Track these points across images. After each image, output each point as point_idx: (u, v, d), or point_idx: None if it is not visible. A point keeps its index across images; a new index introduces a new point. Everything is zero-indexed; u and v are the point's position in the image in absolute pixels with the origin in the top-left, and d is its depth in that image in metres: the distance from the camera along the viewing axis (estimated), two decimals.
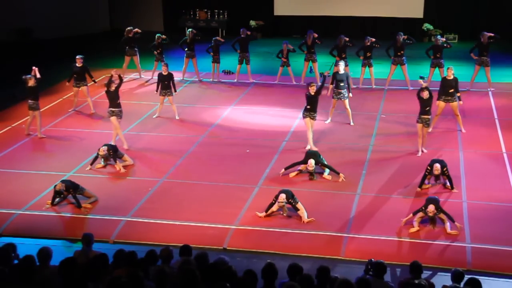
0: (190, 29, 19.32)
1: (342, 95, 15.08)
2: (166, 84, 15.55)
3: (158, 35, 19.03)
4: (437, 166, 11.65)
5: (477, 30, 24.23)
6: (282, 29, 25.48)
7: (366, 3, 24.64)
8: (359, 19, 24.85)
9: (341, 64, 15.41)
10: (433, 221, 10.45)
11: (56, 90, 18.24)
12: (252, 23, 25.12)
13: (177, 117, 15.70)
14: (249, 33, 19.35)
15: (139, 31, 19.12)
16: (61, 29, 24.89)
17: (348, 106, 15.19)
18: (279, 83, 18.67)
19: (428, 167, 11.79)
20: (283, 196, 10.77)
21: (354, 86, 18.08)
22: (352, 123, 15.22)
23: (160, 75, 15.72)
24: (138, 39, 19.10)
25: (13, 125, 15.28)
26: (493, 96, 17.28)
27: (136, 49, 19.03)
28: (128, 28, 19.15)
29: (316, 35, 18.17)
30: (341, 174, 12.32)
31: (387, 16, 24.60)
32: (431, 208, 10.33)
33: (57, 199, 11.37)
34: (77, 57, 16.48)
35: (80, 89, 16.43)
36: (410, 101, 16.32)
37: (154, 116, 15.90)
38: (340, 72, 15.20)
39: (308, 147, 13.57)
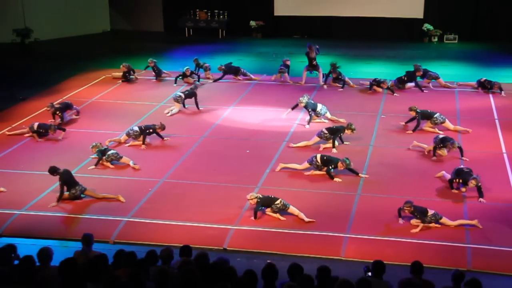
0: (186, 67, 18.65)
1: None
2: None
3: (150, 59, 19.04)
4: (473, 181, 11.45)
5: (477, 30, 24.37)
6: (282, 29, 25.48)
7: (366, 3, 24.64)
8: (359, 19, 24.86)
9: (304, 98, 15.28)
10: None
11: (56, 90, 18.24)
12: (252, 23, 25.14)
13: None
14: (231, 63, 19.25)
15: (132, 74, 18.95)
16: (61, 29, 24.91)
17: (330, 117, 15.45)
18: (278, 83, 18.67)
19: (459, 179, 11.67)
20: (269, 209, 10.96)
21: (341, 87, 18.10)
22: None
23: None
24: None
25: (13, 125, 15.27)
26: (493, 96, 17.27)
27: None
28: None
29: (317, 47, 18.27)
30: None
31: (387, 16, 24.61)
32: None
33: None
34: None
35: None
36: (410, 101, 16.32)
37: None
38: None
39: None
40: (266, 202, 11.01)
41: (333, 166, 12.40)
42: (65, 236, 10.46)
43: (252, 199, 10.98)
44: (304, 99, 15.21)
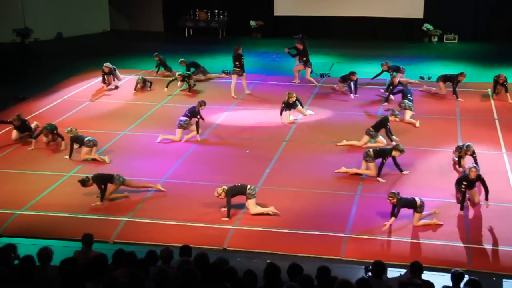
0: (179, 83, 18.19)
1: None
2: None
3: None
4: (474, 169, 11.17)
5: (477, 30, 24.36)
6: (282, 29, 25.45)
7: (366, 3, 24.60)
8: (359, 19, 24.84)
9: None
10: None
11: (55, 90, 18.22)
12: (252, 23, 25.13)
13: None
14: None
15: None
16: (61, 29, 24.90)
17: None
18: (279, 83, 18.66)
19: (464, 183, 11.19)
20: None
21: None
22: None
23: None
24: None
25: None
26: (492, 96, 17.21)
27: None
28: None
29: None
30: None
31: (387, 16, 24.59)
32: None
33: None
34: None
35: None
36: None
37: None
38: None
39: None
40: (235, 191, 10.99)
41: (387, 157, 12.38)
42: (65, 236, 10.46)
43: (219, 193, 10.94)
44: (293, 95, 15.25)
